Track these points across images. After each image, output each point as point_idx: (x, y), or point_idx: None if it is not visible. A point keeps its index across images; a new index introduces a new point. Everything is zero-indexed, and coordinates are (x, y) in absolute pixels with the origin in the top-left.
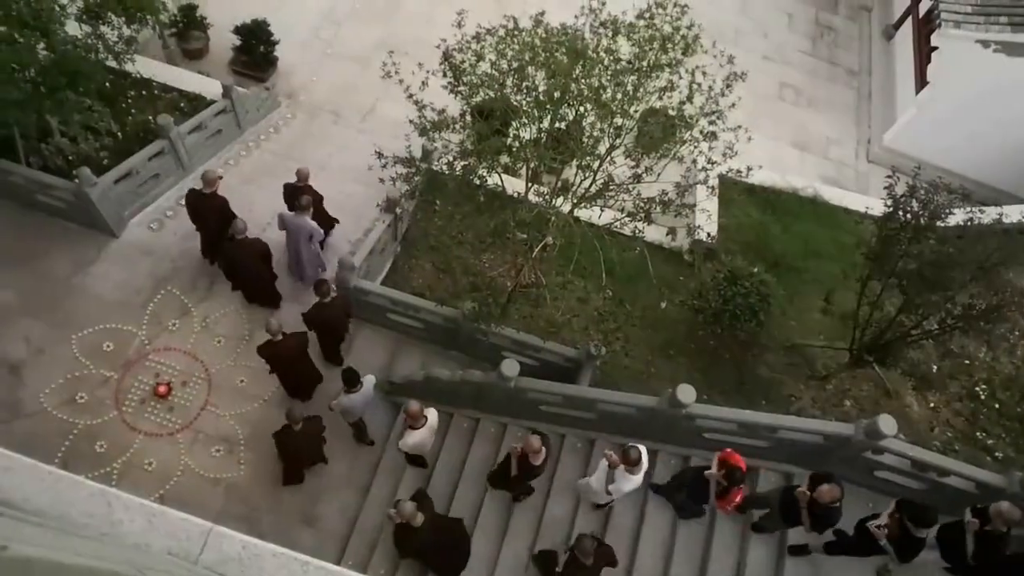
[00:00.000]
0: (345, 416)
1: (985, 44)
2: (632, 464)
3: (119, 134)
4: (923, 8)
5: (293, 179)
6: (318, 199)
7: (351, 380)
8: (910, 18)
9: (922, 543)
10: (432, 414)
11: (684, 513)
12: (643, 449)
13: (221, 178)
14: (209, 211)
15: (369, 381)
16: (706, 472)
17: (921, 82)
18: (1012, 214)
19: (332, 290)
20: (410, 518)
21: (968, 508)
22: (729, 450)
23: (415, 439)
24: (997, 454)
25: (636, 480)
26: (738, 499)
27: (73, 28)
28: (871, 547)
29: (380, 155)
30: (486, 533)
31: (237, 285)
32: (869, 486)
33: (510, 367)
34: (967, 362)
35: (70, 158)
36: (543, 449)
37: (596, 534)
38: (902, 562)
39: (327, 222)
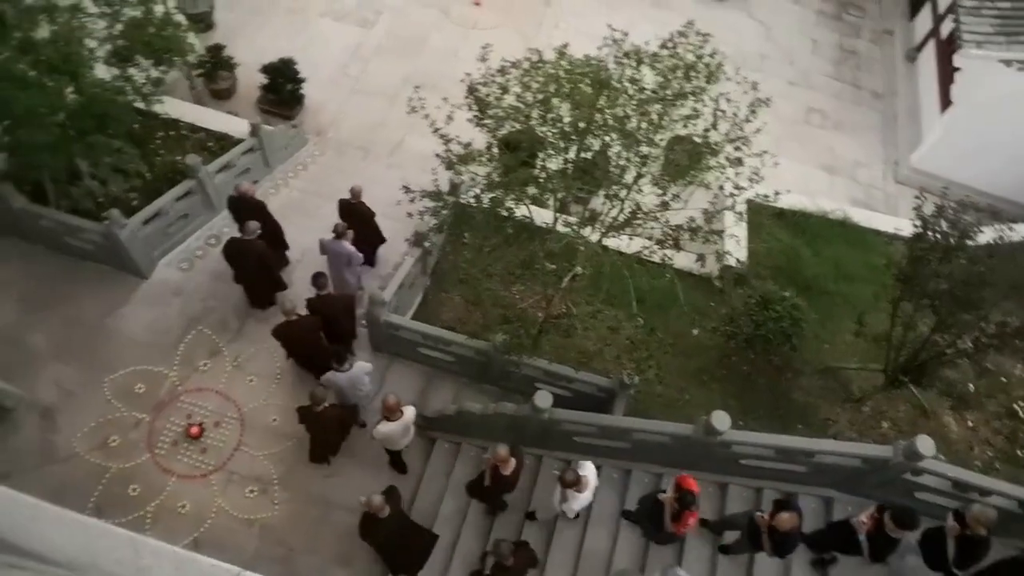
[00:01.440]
0: (338, 394)
1: (1008, 63)
2: (568, 486)
3: (148, 175)
4: (945, 30)
5: (344, 201)
6: (369, 214)
7: (340, 358)
8: (932, 40)
9: (896, 544)
10: (409, 411)
11: (650, 535)
12: (588, 468)
13: (256, 182)
14: (251, 212)
15: (361, 367)
16: (659, 495)
17: (945, 103)
18: None
19: (327, 285)
20: (377, 510)
21: (951, 512)
22: (685, 475)
23: (387, 429)
24: None
25: (583, 498)
26: (691, 522)
27: (101, 71)
28: (848, 544)
29: (408, 189)
30: None
31: (238, 279)
32: None
33: (543, 398)
34: (1004, 380)
35: (99, 200)
36: (512, 459)
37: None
38: (874, 561)
39: (376, 238)
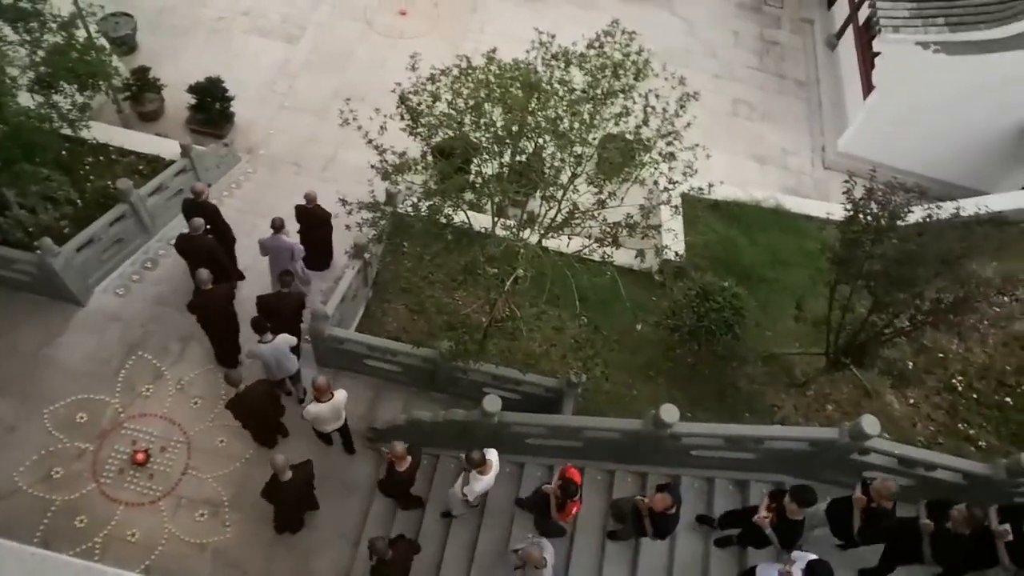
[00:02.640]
0: (264, 370)
1: (925, 46)
2: (475, 466)
3: (79, 202)
4: (862, 16)
5: (300, 206)
6: (326, 217)
7: (260, 327)
8: (851, 27)
9: (800, 525)
10: (340, 394)
11: (541, 527)
12: (492, 453)
13: (210, 185)
14: (203, 216)
15: (284, 339)
16: (543, 486)
17: (867, 87)
18: (968, 207)
19: (293, 283)
20: (279, 471)
21: (859, 483)
22: (569, 466)
23: (316, 410)
24: (980, 443)
25: (486, 480)
26: (574, 511)
27: (25, 99)
28: (760, 539)
29: (344, 202)
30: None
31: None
32: None
33: (492, 403)
34: (941, 356)
35: (30, 230)
36: (408, 457)
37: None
38: (784, 547)
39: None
